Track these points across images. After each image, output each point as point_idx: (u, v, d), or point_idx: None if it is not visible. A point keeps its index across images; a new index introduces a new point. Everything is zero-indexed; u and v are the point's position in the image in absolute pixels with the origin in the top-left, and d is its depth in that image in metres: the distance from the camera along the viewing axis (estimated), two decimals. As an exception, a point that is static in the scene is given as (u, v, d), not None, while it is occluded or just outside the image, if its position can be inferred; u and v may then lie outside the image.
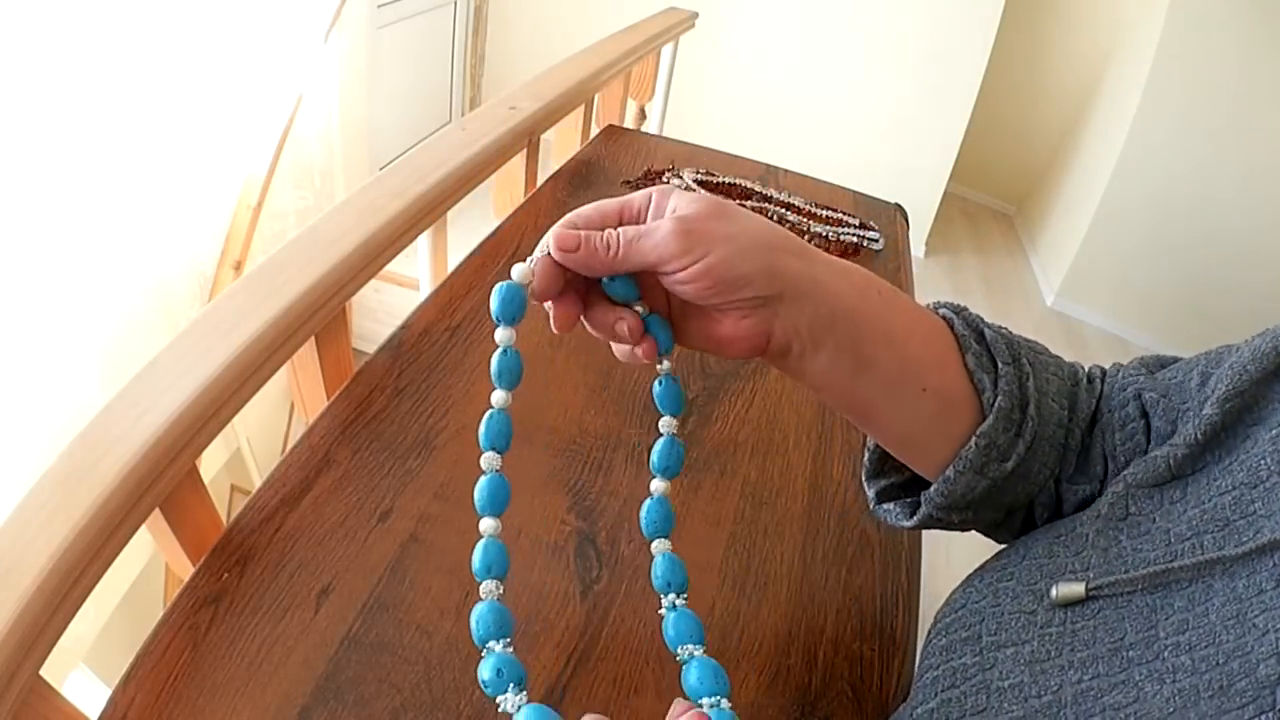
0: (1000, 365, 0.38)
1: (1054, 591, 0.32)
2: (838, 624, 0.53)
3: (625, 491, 0.59)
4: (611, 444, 0.63)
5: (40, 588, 0.38)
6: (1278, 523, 0.28)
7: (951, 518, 0.41)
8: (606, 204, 0.36)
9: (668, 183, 1.03)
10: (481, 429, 0.38)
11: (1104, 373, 0.43)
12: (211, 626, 0.46)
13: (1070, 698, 0.29)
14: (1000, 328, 0.42)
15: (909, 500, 0.43)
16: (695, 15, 1.62)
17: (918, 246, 3.70)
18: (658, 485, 0.39)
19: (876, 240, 1.01)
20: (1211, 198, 3.05)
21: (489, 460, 0.38)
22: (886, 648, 0.52)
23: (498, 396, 0.38)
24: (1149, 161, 3.08)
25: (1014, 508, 0.41)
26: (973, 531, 0.44)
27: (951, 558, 2.14)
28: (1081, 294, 3.45)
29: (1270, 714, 0.24)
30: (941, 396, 0.38)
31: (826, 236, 0.98)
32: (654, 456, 0.39)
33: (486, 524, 0.36)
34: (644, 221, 0.36)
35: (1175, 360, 0.41)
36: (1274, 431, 0.31)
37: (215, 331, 0.53)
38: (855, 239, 0.99)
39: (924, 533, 0.63)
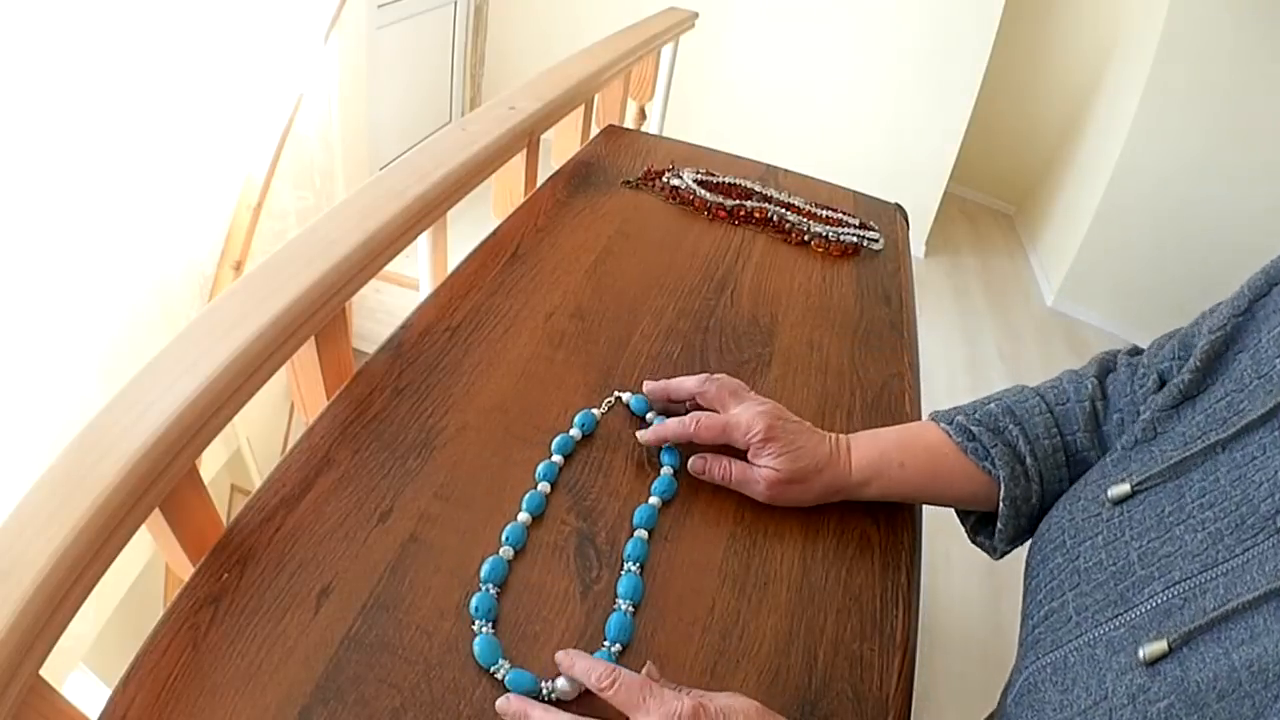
0: (990, 447, 0.55)
1: (1110, 493, 0.44)
2: (838, 624, 0.53)
3: (625, 491, 0.59)
4: (611, 444, 0.63)
5: (40, 588, 0.38)
6: (1256, 409, 0.39)
7: (1020, 543, 0.56)
8: (715, 425, 0.58)
9: (668, 182, 1.03)
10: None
11: (1102, 370, 0.56)
12: (211, 626, 0.46)
13: (1136, 558, 0.40)
14: (985, 403, 0.58)
15: (989, 538, 0.58)
16: (695, 15, 1.62)
17: (918, 246, 3.70)
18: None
19: (876, 240, 1.01)
20: (1211, 198, 3.05)
21: None
22: (886, 648, 0.52)
23: None
24: (1149, 162, 3.08)
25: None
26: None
27: (951, 558, 2.14)
28: (1081, 294, 3.45)
29: (1275, 536, 0.36)
30: (968, 486, 0.57)
31: (826, 236, 0.98)
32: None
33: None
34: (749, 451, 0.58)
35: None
36: (1249, 353, 0.43)
37: (215, 331, 0.53)
38: (855, 239, 0.99)
39: (924, 533, 0.63)
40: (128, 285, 1.96)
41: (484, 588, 0.50)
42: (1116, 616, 0.39)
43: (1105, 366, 0.57)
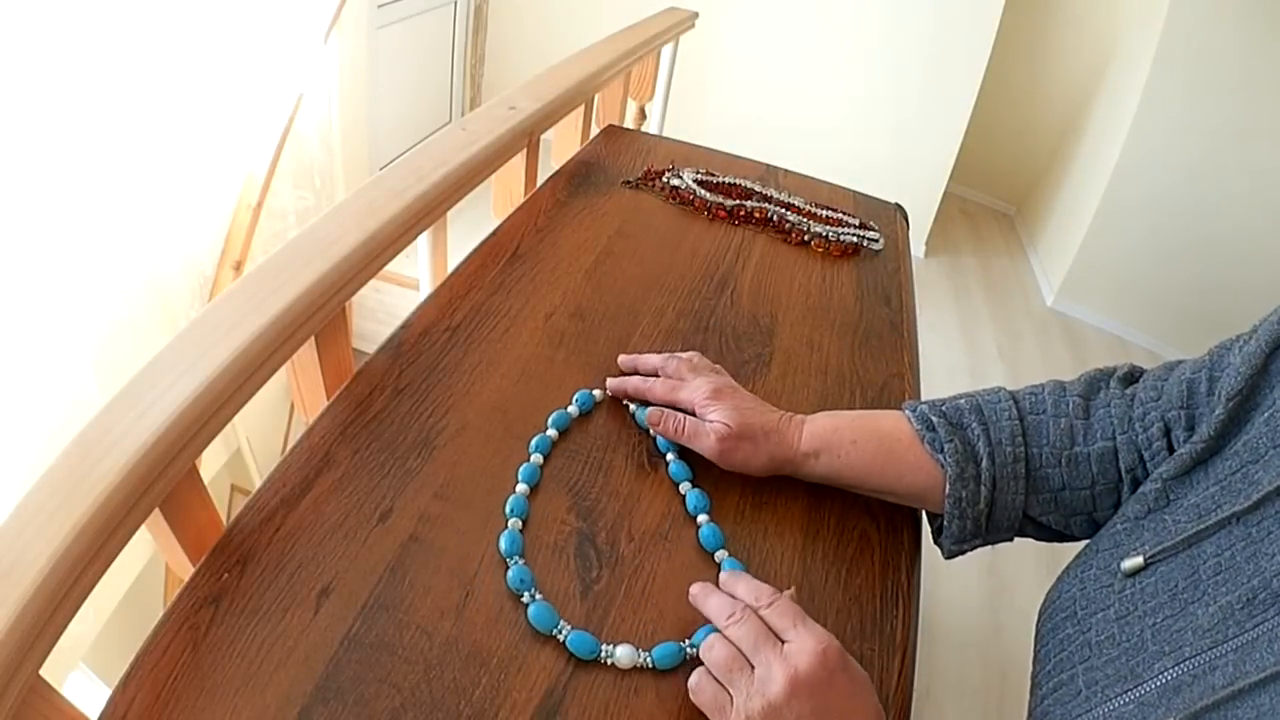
0: (946, 441, 0.54)
1: (1124, 565, 0.43)
2: (838, 624, 0.53)
3: (625, 491, 0.59)
4: (611, 444, 0.63)
5: (40, 588, 0.38)
6: (1272, 479, 0.39)
7: (967, 548, 0.56)
8: (667, 385, 0.63)
9: (668, 182, 1.03)
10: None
11: (1089, 390, 0.55)
12: (211, 626, 0.46)
13: (1149, 635, 0.40)
14: (957, 398, 0.57)
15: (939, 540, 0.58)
16: (695, 15, 1.62)
17: (918, 246, 3.70)
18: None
19: (876, 240, 1.01)
20: (1211, 198, 3.05)
21: None
22: (886, 648, 0.52)
23: None
24: (1149, 161, 3.08)
25: (1015, 524, 0.55)
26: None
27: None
28: (1081, 294, 3.45)
29: None
30: (919, 477, 0.55)
31: (826, 236, 0.98)
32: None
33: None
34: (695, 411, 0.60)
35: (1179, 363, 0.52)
36: (1265, 415, 0.42)
37: (215, 331, 0.53)
38: (855, 239, 0.99)
39: (924, 533, 0.63)
40: (127, 285, 1.96)
41: (510, 560, 0.52)
42: (1126, 692, 0.39)
43: (1093, 387, 0.55)
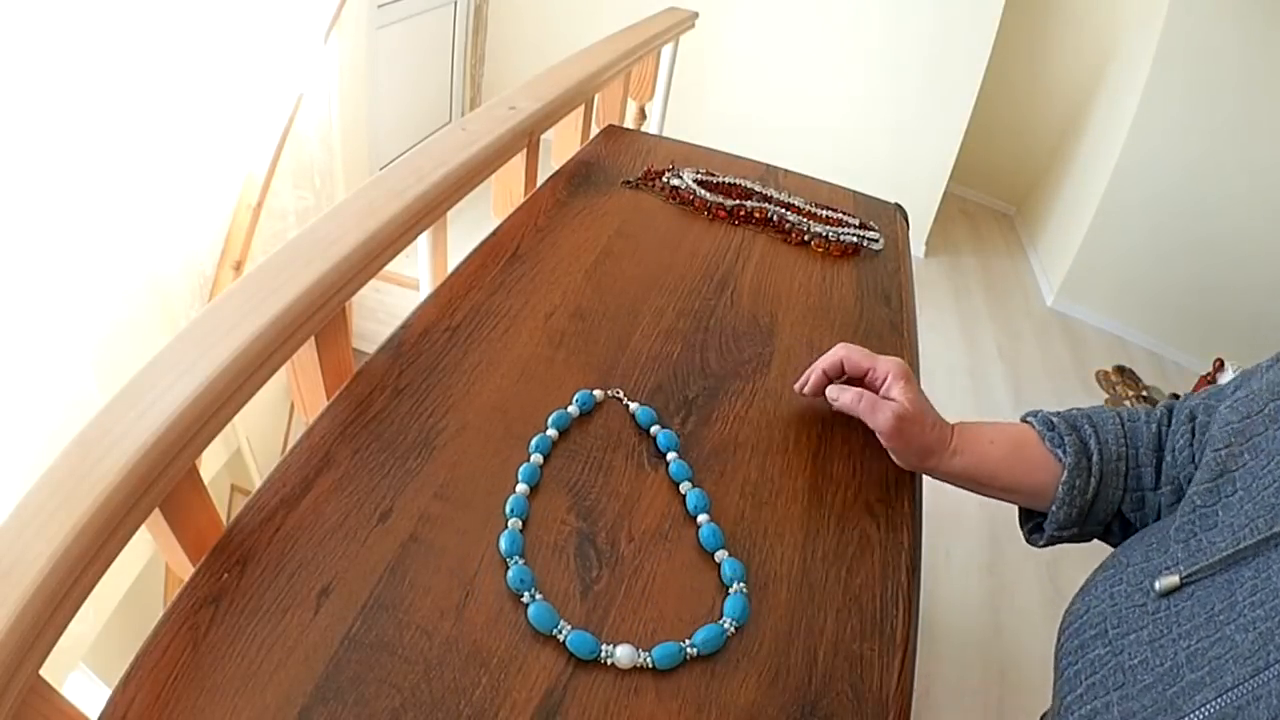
0: (1065, 437, 0.58)
1: (1158, 584, 0.43)
2: (838, 624, 0.53)
3: (625, 491, 0.59)
4: (611, 444, 0.63)
5: (40, 588, 0.38)
6: None
7: (1066, 535, 0.59)
8: (861, 351, 0.66)
9: (668, 182, 1.03)
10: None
11: (1171, 406, 0.59)
12: (211, 626, 0.46)
13: (1185, 660, 0.39)
14: (1070, 410, 0.62)
15: (1039, 527, 0.62)
16: (695, 15, 1.62)
17: (918, 246, 3.70)
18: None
19: (876, 240, 1.01)
20: (1211, 198, 3.05)
21: None
22: (886, 648, 0.52)
23: None
24: (1149, 161, 3.08)
25: (1108, 519, 0.58)
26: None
27: (951, 558, 2.14)
28: (1081, 294, 3.44)
29: None
30: (1041, 475, 0.60)
31: (826, 236, 0.98)
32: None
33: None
34: (883, 385, 0.65)
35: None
36: None
37: (215, 331, 0.53)
38: (855, 239, 0.99)
39: (924, 533, 0.63)
40: (127, 285, 1.96)
41: (510, 560, 0.52)
42: None
43: (1167, 407, 0.60)
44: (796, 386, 0.70)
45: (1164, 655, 0.40)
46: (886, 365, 0.64)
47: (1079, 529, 0.59)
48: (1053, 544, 0.61)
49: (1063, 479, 0.58)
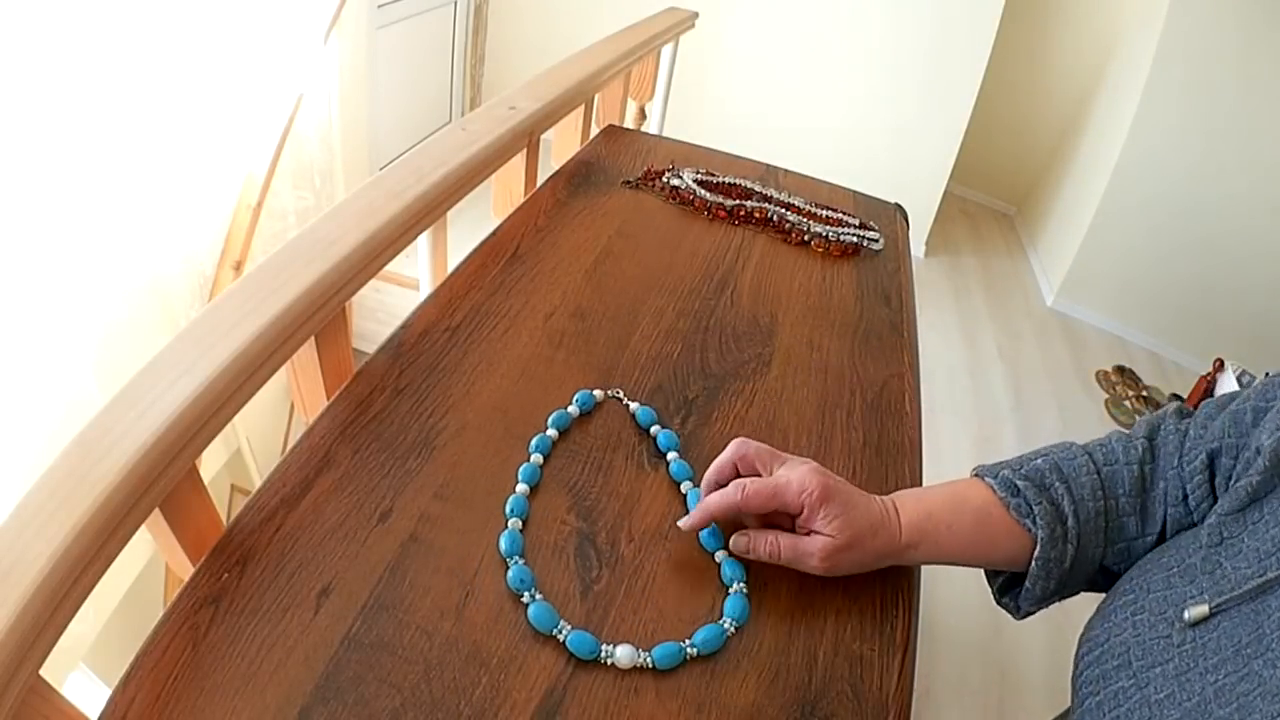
0: (1034, 505, 0.52)
1: (1186, 614, 0.41)
2: (838, 624, 0.53)
3: (625, 491, 0.59)
4: (611, 444, 0.63)
5: (40, 588, 0.38)
6: None
7: (1045, 605, 0.55)
8: (765, 489, 0.53)
9: (668, 182, 1.03)
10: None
11: (1151, 431, 0.54)
12: (211, 626, 0.46)
13: (1212, 695, 0.38)
14: (1032, 458, 0.56)
15: (1014, 598, 0.57)
16: (695, 15, 1.62)
17: (918, 246, 3.70)
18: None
19: (876, 240, 1.01)
20: (1211, 198, 3.05)
21: None
22: (886, 648, 0.52)
23: None
24: (1149, 161, 3.08)
25: (1091, 576, 0.54)
26: None
27: (951, 558, 2.14)
28: (1081, 294, 3.45)
29: None
30: (1011, 544, 0.53)
31: (827, 236, 0.98)
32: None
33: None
34: (800, 515, 0.53)
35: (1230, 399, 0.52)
36: None
37: (215, 331, 0.53)
38: (855, 239, 0.99)
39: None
40: (127, 285, 1.96)
41: (511, 561, 0.52)
42: None
43: (1153, 427, 0.55)
44: (682, 524, 0.55)
45: (1190, 690, 0.39)
46: (798, 485, 0.53)
47: (1059, 596, 0.55)
48: (1034, 613, 0.56)
49: (1036, 554, 0.52)
